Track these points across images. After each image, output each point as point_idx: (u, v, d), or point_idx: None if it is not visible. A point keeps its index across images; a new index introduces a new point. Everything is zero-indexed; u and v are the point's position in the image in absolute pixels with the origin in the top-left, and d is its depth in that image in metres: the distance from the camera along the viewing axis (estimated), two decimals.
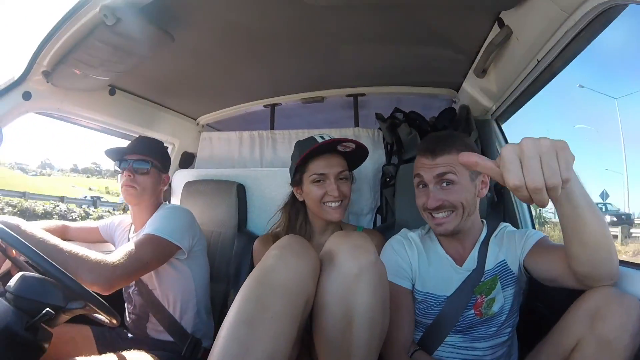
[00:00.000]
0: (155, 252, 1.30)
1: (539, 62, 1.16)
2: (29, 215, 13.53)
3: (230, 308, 0.85)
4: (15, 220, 1.12)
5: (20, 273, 0.95)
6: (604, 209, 13.37)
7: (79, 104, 1.62)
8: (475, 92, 1.58)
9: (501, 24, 1.16)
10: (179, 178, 2.11)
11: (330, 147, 1.35)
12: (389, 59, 1.64)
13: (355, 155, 1.41)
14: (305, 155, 1.35)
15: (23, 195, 17.73)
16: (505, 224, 1.28)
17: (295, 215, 1.48)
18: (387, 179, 1.77)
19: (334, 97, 2.05)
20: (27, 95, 1.39)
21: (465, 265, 1.20)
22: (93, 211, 16.71)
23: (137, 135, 1.89)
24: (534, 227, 1.58)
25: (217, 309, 1.67)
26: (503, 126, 1.65)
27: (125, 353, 1.23)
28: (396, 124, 1.74)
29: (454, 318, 1.16)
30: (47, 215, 13.96)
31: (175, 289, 1.47)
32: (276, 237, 1.41)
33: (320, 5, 1.17)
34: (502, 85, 1.41)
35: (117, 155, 1.50)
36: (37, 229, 1.13)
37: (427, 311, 1.20)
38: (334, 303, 0.90)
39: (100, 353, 1.30)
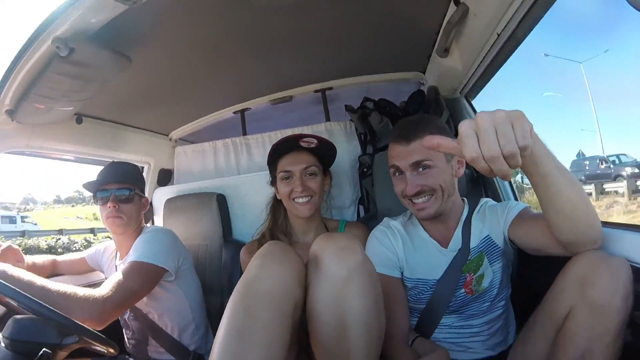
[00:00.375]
0: (143, 279, 1.29)
1: (499, 35, 1.16)
2: (35, 251, 13.21)
3: (221, 322, 0.86)
4: (1, 266, 1.12)
5: (12, 317, 0.95)
6: (617, 162, 12.34)
7: (47, 138, 1.59)
8: (442, 72, 1.57)
9: (457, 1, 1.16)
10: (159, 196, 2.08)
11: (293, 145, 1.37)
12: (352, 50, 1.63)
13: (323, 150, 1.41)
14: (273, 154, 1.40)
15: (23, 234, 17.40)
16: (486, 199, 1.28)
17: (278, 214, 1.50)
18: (365, 170, 1.77)
19: (302, 95, 2.04)
20: None
21: (450, 246, 1.20)
22: (94, 239, 16.43)
23: (111, 161, 1.87)
24: (516, 199, 1.59)
25: (215, 321, 1.63)
26: (473, 102, 1.65)
27: None
28: (366, 114, 1.73)
29: (447, 299, 1.17)
30: (51, 250, 13.67)
31: (170, 310, 1.47)
32: (262, 241, 1.43)
33: (269, 7, 1.16)
34: (466, 62, 1.40)
35: (96, 186, 1.47)
36: (23, 272, 1.13)
37: (418, 297, 1.21)
38: (326, 311, 0.89)
39: None
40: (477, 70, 1.43)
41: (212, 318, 1.65)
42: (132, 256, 1.34)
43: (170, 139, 2.32)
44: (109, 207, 1.42)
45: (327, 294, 0.89)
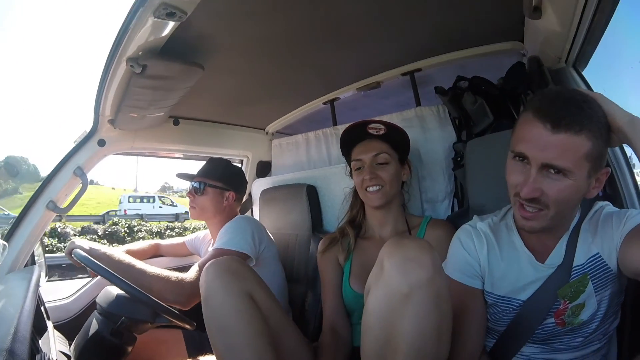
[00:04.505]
0: None
1: None
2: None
3: None
4: (102, 248, 1.32)
5: (114, 294, 1.17)
6: None
7: (149, 139, 1.82)
8: (541, 38, 1.23)
9: None
10: (257, 187, 2.21)
11: (362, 132, 1.34)
12: (436, 24, 1.43)
13: (395, 136, 1.33)
14: (345, 144, 1.40)
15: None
16: (602, 202, 0.97)
17: (354, 206, 1.48)
18: (459, 159, 1.56)
19: (390, 80, 1.89)
20: (101, 142, 1.61)
21: (548, 261, 0.94)
22: None
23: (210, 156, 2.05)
24: None
25: (297, 308, 1.72)
26: (585, 72, 1.28)
27: (206, 357, 1.39)
28: (459, 95, 1.51)
29: (532, 327, 0.94)
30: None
31: None
32: (341, 232, 1.45)
33: None
34: (564, 22, 1.07)
35: (188, 178, 1.70)
36: (124, 255, 1.32)
37: (499, 317, 1.00)
38: (378, 326, 0.83)
39: (188, 353, 1.50)
40: (579, 31, 1.08)
41: (295, 306, 1.70)
42: (216, 244, 1.47)
43: (267, 133, 2.41)
44: (188, 197, 1.65)
45: (382, 309, 0.82)
